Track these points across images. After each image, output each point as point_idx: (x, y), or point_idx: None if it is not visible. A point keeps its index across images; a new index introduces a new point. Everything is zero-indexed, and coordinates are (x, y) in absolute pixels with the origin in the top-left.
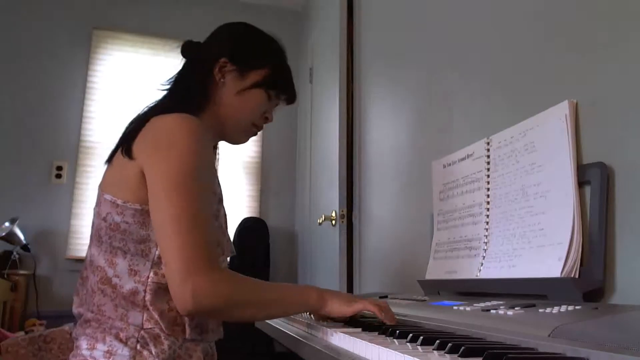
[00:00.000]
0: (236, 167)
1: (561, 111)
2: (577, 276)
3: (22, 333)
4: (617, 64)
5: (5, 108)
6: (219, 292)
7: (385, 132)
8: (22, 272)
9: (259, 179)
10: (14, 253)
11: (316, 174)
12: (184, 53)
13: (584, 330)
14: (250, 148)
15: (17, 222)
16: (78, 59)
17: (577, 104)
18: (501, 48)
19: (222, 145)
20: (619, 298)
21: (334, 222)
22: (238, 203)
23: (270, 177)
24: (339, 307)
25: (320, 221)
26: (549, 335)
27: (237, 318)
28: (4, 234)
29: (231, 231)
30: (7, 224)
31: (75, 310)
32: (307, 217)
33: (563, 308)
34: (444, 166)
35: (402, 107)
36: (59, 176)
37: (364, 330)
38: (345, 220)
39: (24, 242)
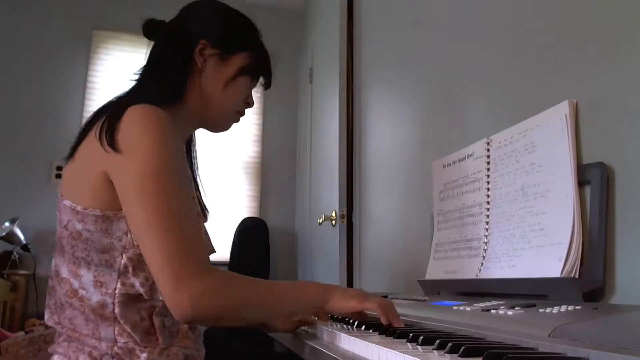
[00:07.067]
0: (236, 167)
1: (561, 111)
2: (577, 276)
3: (22, 333)
4: (617, 64)
5: (5, 108)
6: (217, 295)
7: (385, 132)
8: (22, 272)
9: (259, 179)
10: (14, 253)
11: (316, 174)
12: (148, 34)
13: (584, 330)
14: (250, 148)
15: (17, 222)
16: (78, 59)
17: (577, 104)
18: (501, 48)
19: (222, 146)
20: (619, 298)
21: (334, 222)
22: (238, 203)
23: (270, 177)
24: (345, 303)
25: (320, 221)
26: (549, 335)
27: (239, 320)
28: (4, 234)
29: (231, 231)
30: (7, 224)
31: (49, 322)
32: (307, 217)
33: (563, 308)
34: (444, 166)
35: (402, 107)
36: (59, 176)
37: (364, 330)
38: (345, 220)
39: (24, 242)
